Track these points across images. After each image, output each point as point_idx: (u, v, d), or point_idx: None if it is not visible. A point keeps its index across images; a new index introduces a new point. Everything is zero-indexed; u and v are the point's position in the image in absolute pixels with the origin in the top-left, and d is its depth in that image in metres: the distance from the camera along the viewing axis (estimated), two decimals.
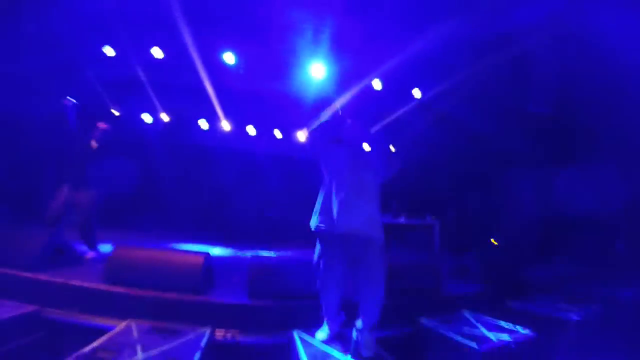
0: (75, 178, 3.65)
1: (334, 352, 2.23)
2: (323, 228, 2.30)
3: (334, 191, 2.32)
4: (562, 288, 4.10)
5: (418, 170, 7.55)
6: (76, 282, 2.60)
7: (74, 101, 3.63)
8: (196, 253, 2.99)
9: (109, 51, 6.23)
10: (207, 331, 2.26)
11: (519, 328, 2.79)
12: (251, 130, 8.45)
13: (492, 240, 7.69)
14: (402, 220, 7.16)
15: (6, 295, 2.41)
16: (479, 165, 7.91)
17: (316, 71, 6.97)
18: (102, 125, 3.81)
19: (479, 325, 2.80)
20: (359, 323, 2.33)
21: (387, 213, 6.82)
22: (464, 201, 8.48)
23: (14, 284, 2.62)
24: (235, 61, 6.66)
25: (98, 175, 3.80)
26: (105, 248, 3.83)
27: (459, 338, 2.49)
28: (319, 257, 2.43)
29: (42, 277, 2.66)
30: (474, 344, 2.38)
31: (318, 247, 2.47)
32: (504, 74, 6.72)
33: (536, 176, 7.52)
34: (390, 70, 7.03)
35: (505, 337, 2.59)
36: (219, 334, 2.49)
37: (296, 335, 2.40)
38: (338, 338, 2.44)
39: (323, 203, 2.37)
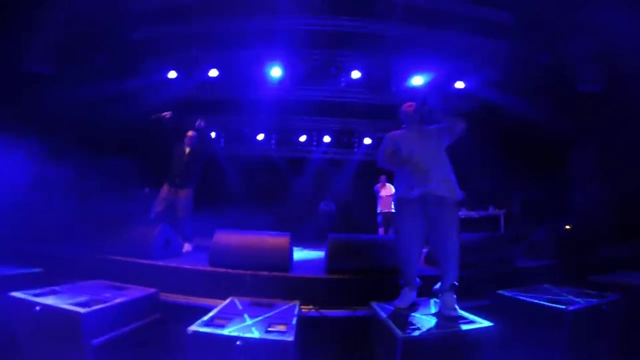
0: (174, 179, 4.28)
1: (416, 315, 2.35)
2: (403, 196, 2.57)
3: (408, 165, 2.56)
4: None
5: (478, 159, 7.41)
6: (187, 266, 3.05)
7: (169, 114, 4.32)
8: (281, 234, 3.32)
9: (172, 74, 7.03)
10: (297, 303, 2.53)
11: (606, 294, 2.69)
12: (302, 137, 8.90)
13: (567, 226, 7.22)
14: (462, 212, 7.01)
15: (130, 280, 2.86)
16: (542, 150, 7.54)
17: (355, 75, 7.36)
18: (190, 133, 4.46)
19: (563, 293, 2.74)
20: (439, 285, 2.47)
21: None
22: (529, 188, 8.10)
23: (136, 270, 3.10)
24: (282, 74, 7.14)
25: (193, 177, 4.41)
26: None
27: (544, 302, 2.47)
28: (400, 223, 2.60)
29: (159, 263, 3.17)
30: (561, 306, 2.36)
31: (398, 216, 2.66)
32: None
33: (606, 155, 7.00)
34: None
35: (593, 300, 2.53)
36: (305, 308, 2.75)
37: (375, 305, 2.55)
38: (416, 305, 2.56)
39: (400, 177, 2.64)
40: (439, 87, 7.50)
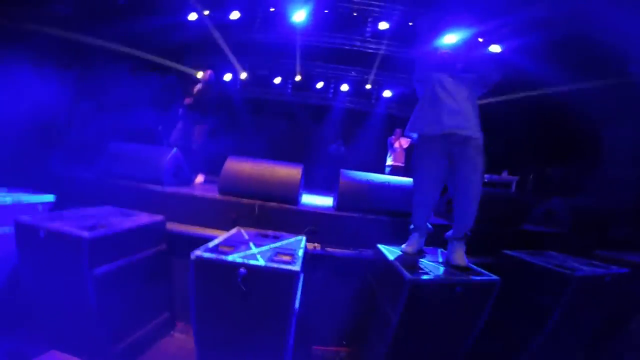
0: (189, 114, 4.53)
1: (424, 261, 2.33)
2: (426, 132, 2.44)
3: (433, 99, 2.41)
4: None
5: (500, 123, 7.13)
6: (196, 193, 3.05)
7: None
8: (294, 165, 3.27)
9: (192, 16, 6.71)
10: (304, 237, 2.53)
11: (613, 267, 2.66)
12: (319, 84, 8.64)
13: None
14: None
15: (139, 207, 2.83)
16: (570, 125, 7.19)
17: (383, 26, 6.97)
18: (203, 74, 4.70)
19: (568, 260, 2.71)
20: (452, 232, 2.41)
21: None
22: (548, 160, 7.85)
23: (145, 196, 3.09)
24: (306, 19, 6.74)
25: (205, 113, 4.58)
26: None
27: (551, 266, 2.44)
28: (419, 162, 2.48)
29: (168, 190, 3.16)
30: (568, 270, 2.33)
31: (417, 155, 2.54)
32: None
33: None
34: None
35: (599, 270, 2.50)
36: (310, 245, 2.76)
37: (382, 247, 2.54)
38: (424, 252, 2.54)
39: (422, 111, 2.49)
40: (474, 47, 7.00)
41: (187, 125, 4.51)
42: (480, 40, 6.47)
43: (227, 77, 8.34)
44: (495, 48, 6.94)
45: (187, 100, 4.49)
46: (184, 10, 6.72)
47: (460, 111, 2.33)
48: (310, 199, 4.07)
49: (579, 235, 3.65)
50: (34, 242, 2.09)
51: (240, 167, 3.15)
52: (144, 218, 2.62)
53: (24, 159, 3.52)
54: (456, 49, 2.58)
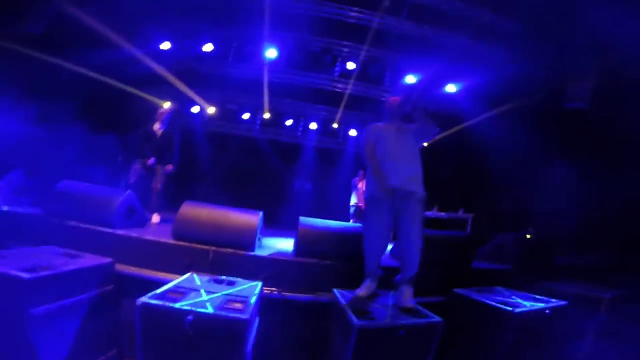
0: (147, 158, 4.34)
1: (374, 304, 2.41)
2: (374, 193, 2.64)
3: (381, 159, 2.64)
4: (598, 275, 4.05)
5: (454, 162, 7.57)
6: (148, 237, 2.95)
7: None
8: (252, 212, 3.27)
9: (165, 45, 6.79)
10: (260, 283, 2.52)
11: (552, 300, 2.87)
12: (288, 122, 8.82)
13: (527, 235, 7.51)
14: (432, 212, 7.18)
15: (87, 248, 2.72)
16: (516, 159, 7.78)
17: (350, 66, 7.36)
18: (161, 110, 4.54)
19: (513, 296, 2.88)
20: (399, 276, 2.56)
21: None
22: (499, 195, 8.35)
23: (94, 238, 2.96)
24: (277, 55, 7.02)
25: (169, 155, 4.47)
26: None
27: (494, 303, 2.59)
28: (368, 217, 2.70)
29: (119, 232, 3.04)
30: (508, 308, 2.48)
31: (367, 210, 2.76)
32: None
33: (575, 170, 7.29)
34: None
35: (539, 305, 2.68)
36: (267, 290, 2.73)
37: (336, 291, 2.60)
38: (376, 296, 2.63)
39: (372, 172, 2.70)
40: (427, 88, 7.57)
41: (145, 167, 4.34)
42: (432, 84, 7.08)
43: (195, 109, 8.36)
44: (450, 88, 7.56)
45: (150, 162, 4.31)
46: (156, 39, 6.81)
47: (405, 169, 2.58)
48: (272, 242, 4.07)
49: (525, 269, 3.88)
50: None
51: (196, 212, 3.12)
52: (89, 260, 2.54)
53: None
54: (405, 95, 2.82)
